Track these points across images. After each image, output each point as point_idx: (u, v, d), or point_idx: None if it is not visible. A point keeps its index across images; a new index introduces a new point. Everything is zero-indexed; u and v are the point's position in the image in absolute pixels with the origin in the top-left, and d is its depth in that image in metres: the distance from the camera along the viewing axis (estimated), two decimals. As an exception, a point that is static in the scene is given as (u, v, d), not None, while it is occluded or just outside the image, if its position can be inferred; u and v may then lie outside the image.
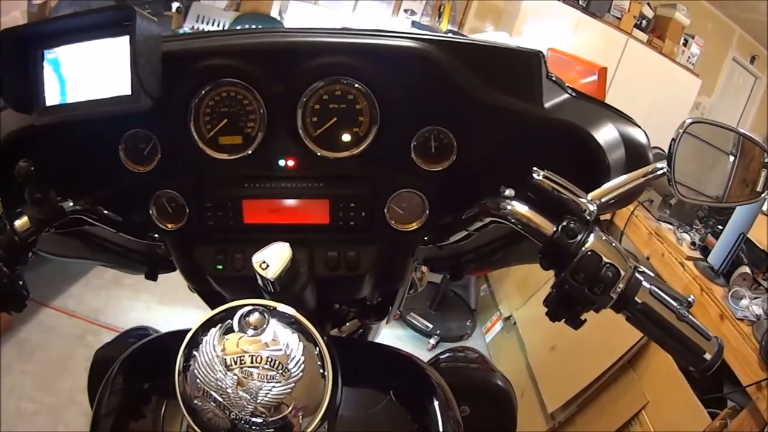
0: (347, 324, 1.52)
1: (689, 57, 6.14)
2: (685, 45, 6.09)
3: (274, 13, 5.27)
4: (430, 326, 4.25)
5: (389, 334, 4.02)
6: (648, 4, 5.83)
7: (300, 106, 1.05)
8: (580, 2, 5.43)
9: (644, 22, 5.82)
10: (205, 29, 4.94)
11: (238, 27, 4.89)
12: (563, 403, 3.09)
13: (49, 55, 0.96)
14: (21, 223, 0.99)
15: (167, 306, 3.77)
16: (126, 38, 0.90)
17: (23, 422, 2.89)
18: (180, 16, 4.95)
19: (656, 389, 2.67)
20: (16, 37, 0.95)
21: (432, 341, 4.17)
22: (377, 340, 1.81)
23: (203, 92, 1.04)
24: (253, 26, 4.88)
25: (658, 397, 2.64)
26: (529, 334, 3.81)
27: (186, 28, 4.87)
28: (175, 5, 4.86)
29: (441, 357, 1.54)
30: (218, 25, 5.02)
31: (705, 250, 2.96)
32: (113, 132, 1.08)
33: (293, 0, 5.36)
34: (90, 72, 0.94)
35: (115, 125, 1.06)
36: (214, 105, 1.06)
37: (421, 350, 4.08)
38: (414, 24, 5.05)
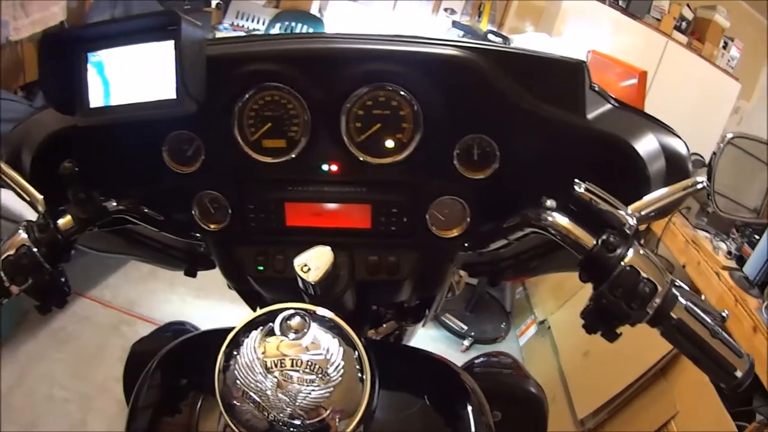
0: (384, 326, 1.53)
1: (729, 60, 6.03)
2: (724, 48, 5.99)
3: (313, 10, 5.24)
4: (465, 328, 4.24)
5: (423, 335, 4.00)
6: (687, 5, 5.75)
7: (344, 111, 1.05)
8: (620, 3, 5.37)
9: (684, 23, 5.73)
10: (245, 26, 4.97)
11: (278, 24, 4.91)
12: (594, 409, 3.06)
13: (93, 57, 0.97)
14: (64, 221, 1.02)
15: (203, 300, 3.79)
16: (171, 42, 0.91)
17: (54, 409, 2.93)
18: (219, 13, 4.98)
19: (686, 399, 2.64)
20: (60, 39, 0.97)
21: (466, 343, 4.16)
22: (412, 342, 1.82)
23: (247, 96, 1.05)
24: (293, 23, 4.90)
25: (688, 407, 2.61)
26: (563, 339, 3.79)
27: (226, 24, 4.90)
28: (214, 2, 4.89)
29: (475, 362, 1.54)
30: (258, 22, 5.03)
31: (741, 260, 2.92)
32: (157, 133, 1.10)
33: (333, -2, 5.36)
34: (134, 75, 0.95)
35: (159, 127, 1.08)
36: (258, 109, 1.06)
37: (454, 351, 4.09)
38: (454, 24, 4.97)
